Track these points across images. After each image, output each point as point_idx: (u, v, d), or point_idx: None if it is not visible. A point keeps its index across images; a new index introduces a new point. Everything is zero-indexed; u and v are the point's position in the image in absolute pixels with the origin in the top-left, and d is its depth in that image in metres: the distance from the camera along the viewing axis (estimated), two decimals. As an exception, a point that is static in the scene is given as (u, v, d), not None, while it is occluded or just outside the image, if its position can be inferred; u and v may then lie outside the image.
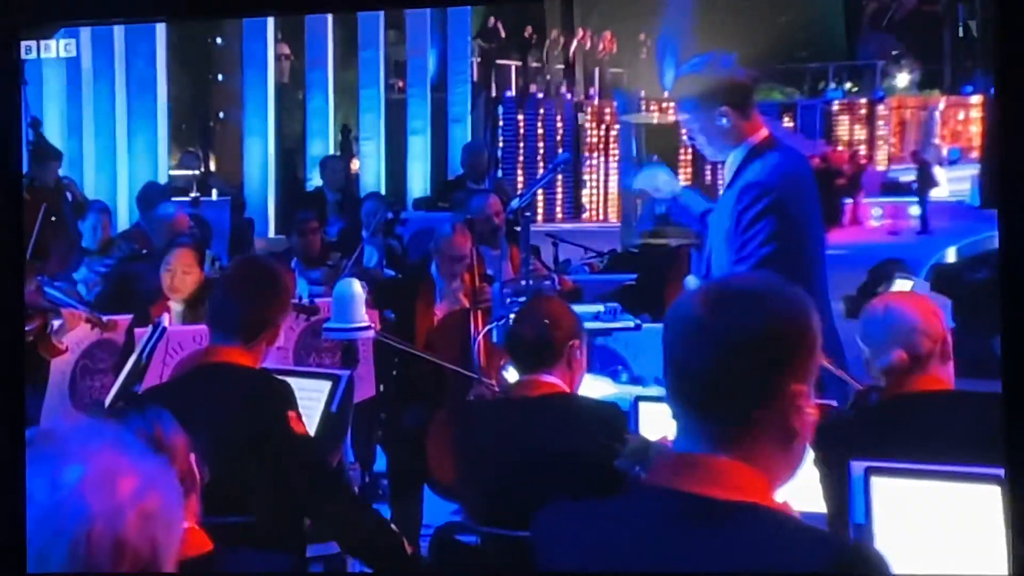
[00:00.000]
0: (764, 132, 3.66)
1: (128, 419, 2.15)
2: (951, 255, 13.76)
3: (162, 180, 11.15)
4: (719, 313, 1.55)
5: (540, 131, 16.55)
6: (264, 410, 3.01)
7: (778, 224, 3.51)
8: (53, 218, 7.29)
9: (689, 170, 15.45)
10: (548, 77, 17.36)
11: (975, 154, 19.58)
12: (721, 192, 3.80)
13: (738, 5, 16.86)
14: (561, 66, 17.67)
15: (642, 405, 3.12)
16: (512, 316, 4.92)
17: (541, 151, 16.33)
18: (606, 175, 17.22)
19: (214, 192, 12.20)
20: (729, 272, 3.51)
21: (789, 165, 3.67)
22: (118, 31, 11.24)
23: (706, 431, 1.55)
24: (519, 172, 15.84)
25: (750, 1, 16.92)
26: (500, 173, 13.74)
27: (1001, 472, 2.22)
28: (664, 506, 1.56)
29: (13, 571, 1.28)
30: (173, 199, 7.99)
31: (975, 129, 19.88)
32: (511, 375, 4.41)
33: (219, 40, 13.66)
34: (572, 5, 17.01)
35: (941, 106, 20.85)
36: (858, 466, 2.33)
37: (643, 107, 13.75)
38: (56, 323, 4.20)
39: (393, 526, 3.27)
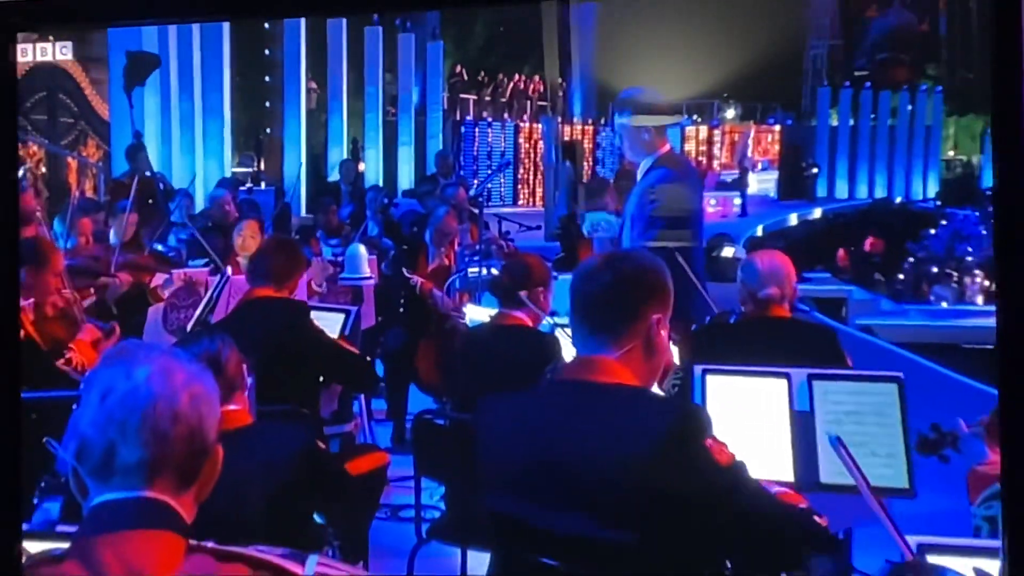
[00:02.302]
0: (667, 147, 3.61)
1: (201, 340, 2.16)
2: (759, 231, 13.96)
3: (227, 175, 10.96)
4: (609, 264, 1.65)
5: (489, 144, 16.46)
6: (291, 320, 3.04)
7: (664, 210, 3.51)
8: (150, 201, 7.12)
9: (589, 171, 15.55)
10: (495, 107, 17.25)
11: (776, 164, 19.84)
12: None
13: (629, 55, 16.76)
14: (504, 100, 17.57)
15: (557, 331, 3.10)
16: (470, 271, 4.92)
17: (489, 158, 16.24)
18: (535, 175, 17.16)
19: (263, 183, 12.03)
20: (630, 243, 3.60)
21: (680, 172, 3.64)
22: (197, 71, 10.96)
23: (596, 340, 1.61)
24: (474, 172, 15.74)
25: (640, 50, 16.73)
26: (461, 172, 13.66)
27: (789, 371, 2.23)
28: (570, 391, 1.62)
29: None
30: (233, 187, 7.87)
31: (776, 148, 20.10)
32: (470, 310, 4.39)
33: (267, 79, 13.41)
34: (570, 57, 16.80)
35: (752, 132, 21.02)
36: (698, 368, 2.31)
37: (560, 129, 13.72)
38: (162, 279, 4.11)
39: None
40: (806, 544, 1.60)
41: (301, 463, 1.97)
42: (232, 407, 2.06)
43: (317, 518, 2.19)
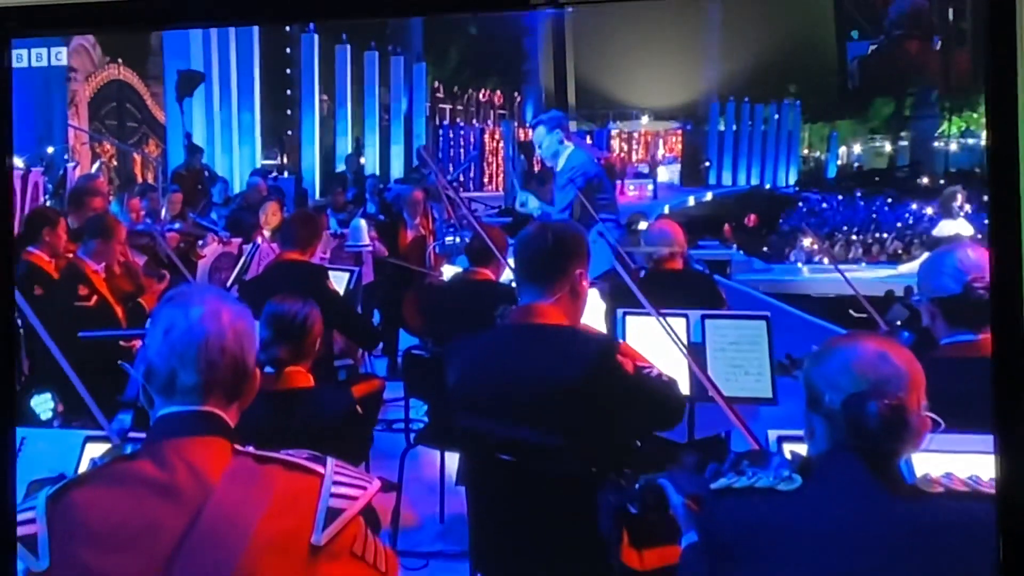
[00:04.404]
0: (572, 145, 3.78)
1: (294, 302, 1.94)
2: (666, 209, 14.02)
3: (258, 166, 10.73)
4: (544, 230, 1.64)
5: (462, 143, 16.28)
6: (312, 279, 2.96)
7: (577, 184, 3.61)
8: (199, 186, 6.94)
9: (538, 163, 15.48)
10: (466, 114, 17.04)
11: (679, 158, 19.93)
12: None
13: (572, 75, 16.54)
14: (474, 108, 17.36)
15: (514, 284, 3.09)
16: (447, 239, 4.85)
17: (462, 153, 16.07)
18: (497, 167, 17.03)
19: (286, 173, 11.81)
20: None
21: (584, 158, 3.76)
22: (234, 86, 10.63)
23: (535, 289, 1.61)
24: (450, 164, 15.58)
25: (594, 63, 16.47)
26: (440, 164, 13.53)
27: (687, 312, 2.24)
28: (518, 332, 1.62)
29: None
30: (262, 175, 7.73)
31: (679, 146, 20.14)
32: (446, 270, 4.34)
33: (289, 92, 13.09)
34: (566, 87, 16.45)
35: (662, 134, 21.05)
36: (619, 311, 2.31)
37: (518, 131, 13.65)
38: (201, 242, 4.07)
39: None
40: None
41: (344, 421, 1.91)
42: (299, 367, 1.89)
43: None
